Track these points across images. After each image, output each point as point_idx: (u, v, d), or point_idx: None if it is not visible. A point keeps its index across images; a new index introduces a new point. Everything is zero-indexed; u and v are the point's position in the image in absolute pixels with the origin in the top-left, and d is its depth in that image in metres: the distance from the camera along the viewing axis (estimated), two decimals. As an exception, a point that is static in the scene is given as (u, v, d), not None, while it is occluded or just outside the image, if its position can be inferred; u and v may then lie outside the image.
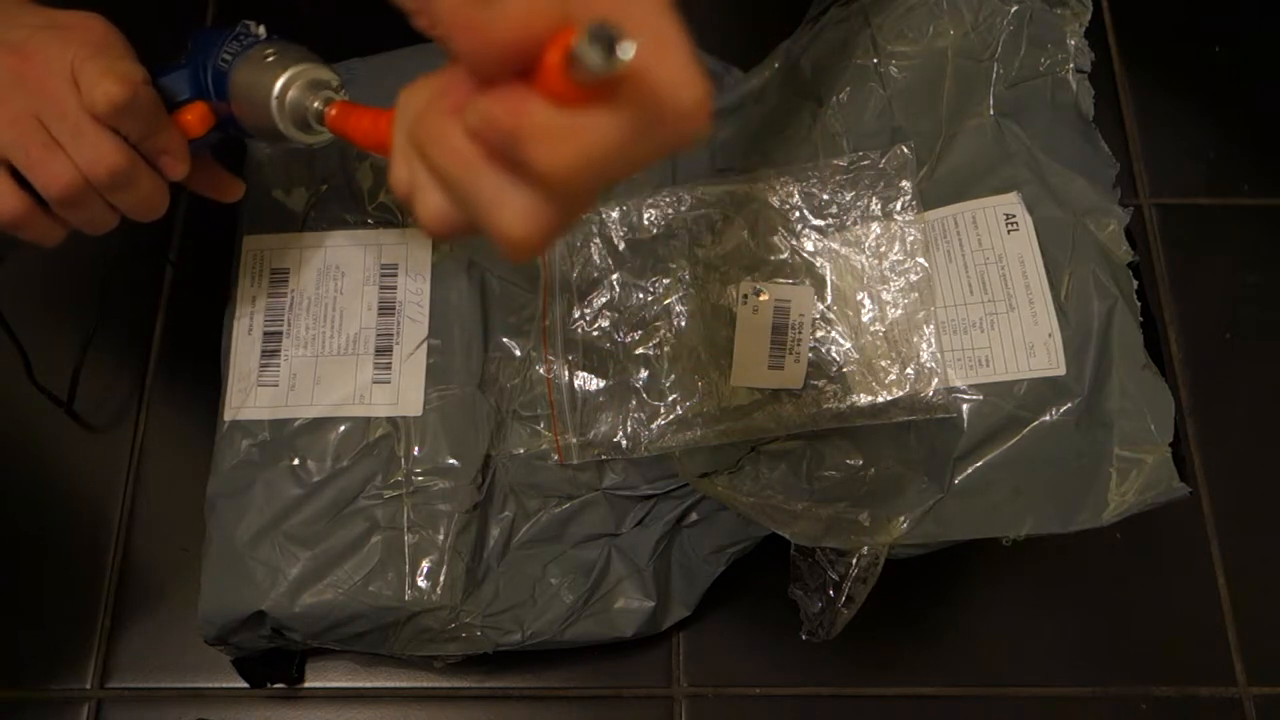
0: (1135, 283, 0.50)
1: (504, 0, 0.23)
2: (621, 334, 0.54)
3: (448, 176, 0.27)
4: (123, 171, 0.43)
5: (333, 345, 0.54)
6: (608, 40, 0.20)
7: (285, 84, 0.44)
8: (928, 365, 0.50)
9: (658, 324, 0.54)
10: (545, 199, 0.25)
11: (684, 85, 0.24)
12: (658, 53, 0.23)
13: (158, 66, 0.46)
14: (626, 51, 0.20)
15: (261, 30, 0.47)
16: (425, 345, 0.53)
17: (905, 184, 0.53)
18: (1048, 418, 0.48)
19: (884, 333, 0.51)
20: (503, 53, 0.24)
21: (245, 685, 0.55)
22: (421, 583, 0.50)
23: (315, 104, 0.44)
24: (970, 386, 0.50)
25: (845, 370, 0.51)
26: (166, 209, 0.46)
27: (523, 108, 0.23)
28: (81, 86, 0.41)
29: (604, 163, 0.24)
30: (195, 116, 0.46)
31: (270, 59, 0.44)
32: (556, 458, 0.52)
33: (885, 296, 0.52)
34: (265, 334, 0.54)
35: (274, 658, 0.54)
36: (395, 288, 0.54)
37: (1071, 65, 0.54)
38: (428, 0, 0.28)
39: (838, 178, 0.54)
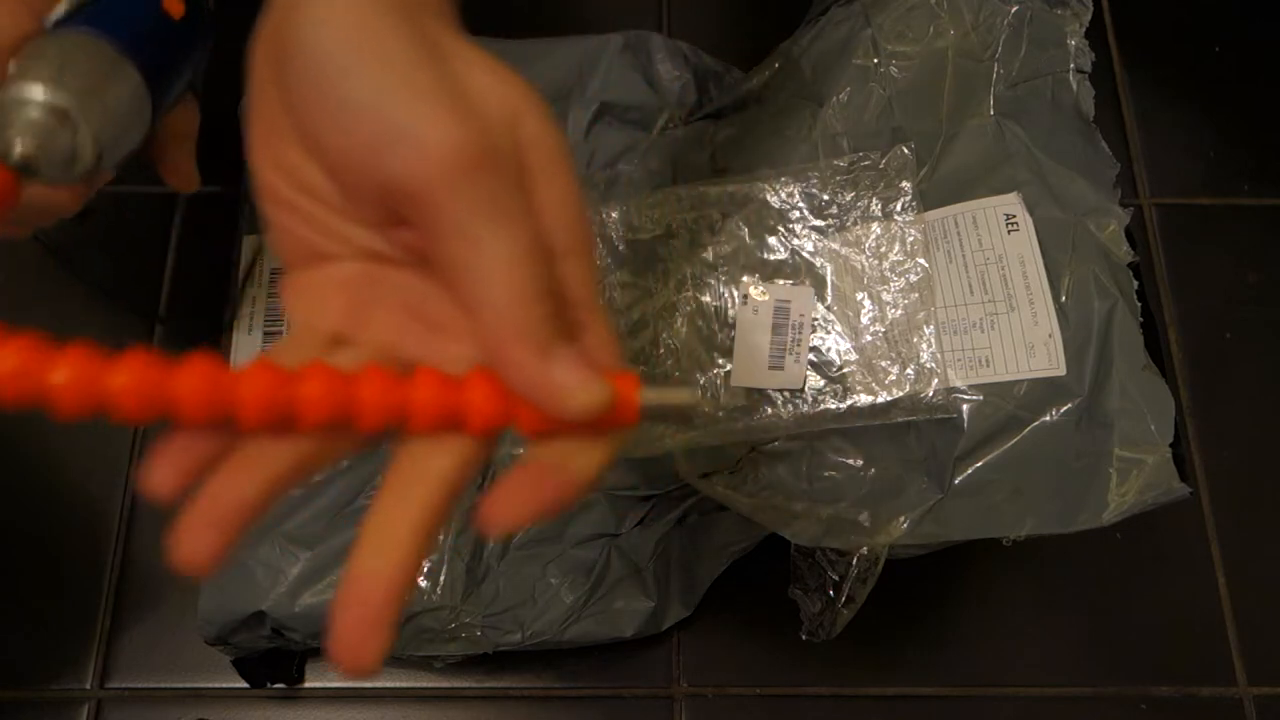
0: (1135, 283, 0.50)
1: None
2: (621, 334, 0.54)
3: None
4: None
5: (333, 345, 0.53)
6: None
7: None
8: (928, 365, 0.50)
9: (657, 324, 0.54)
10: None
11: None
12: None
13: None
14: None
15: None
16: (425, 345, 0.53)
17: (905, 184, 0.53)
18: (1048, 418, 0.48)
19: (884, 333, 0.51)
20: None
21: (245, 685, 0.55)
22: (421, 583, 0.50)
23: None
24: (970, 387, 0.49)
25: (845, 370, 0.51)
26: (75, 206, 0.38)
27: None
28: None
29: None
30: None
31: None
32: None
33: (885, 297, 0.52)
34: (265, 334, 0.54)
35: (274, 658, 0.54)
36: (395, 288, 0.54)
37: (1072, 65, 0.54)
38: None
39: (838, 178, 0.54)
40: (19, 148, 0.32)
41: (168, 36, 0.37)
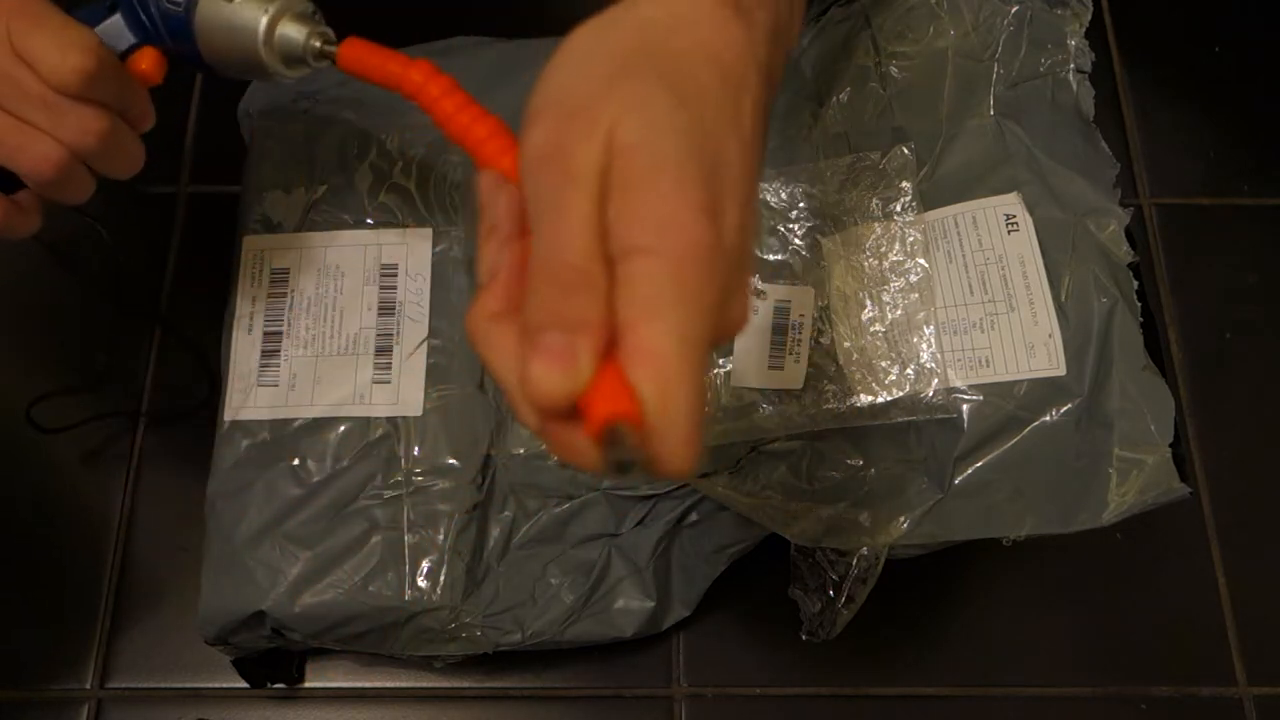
0: (1135, 283, 0.50)
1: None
2: (621, 334, 0.54)
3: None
4: (111, 135, 0.41)
5: (333, 345, 0.54)
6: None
7: (270, 22, 0.42)
8: (928, 365, 0.50)
9: (658, 324, 0.54)
10: None
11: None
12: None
13: (83, 12, 0.42)
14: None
15: None
16: (425, 345, 0.53)
17: (905, 184, 0.53)
18: (1048, 418, 0.48)
19: (884, 333, 0.51)
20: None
21: (245, 685, 0.55)
22: (421, 583, 0.50)
23: (315, 43, 0.42)
24: (970, 387, 0.50)
25: (845, 370, 0.51)
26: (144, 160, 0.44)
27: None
28: (40, 64, 0.39)
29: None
30: (150, 65, 0.43)
31: None
32: (556, 458, 0.52)
33: (885, 297, 0.52)
34: (265, 334, 0.54)
35: (274, 658, 0.54)
36: (395, 288, 0.54)
37: (1072, 65, 0.54)
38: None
39: (838, 178, 0.54)
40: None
41: None
